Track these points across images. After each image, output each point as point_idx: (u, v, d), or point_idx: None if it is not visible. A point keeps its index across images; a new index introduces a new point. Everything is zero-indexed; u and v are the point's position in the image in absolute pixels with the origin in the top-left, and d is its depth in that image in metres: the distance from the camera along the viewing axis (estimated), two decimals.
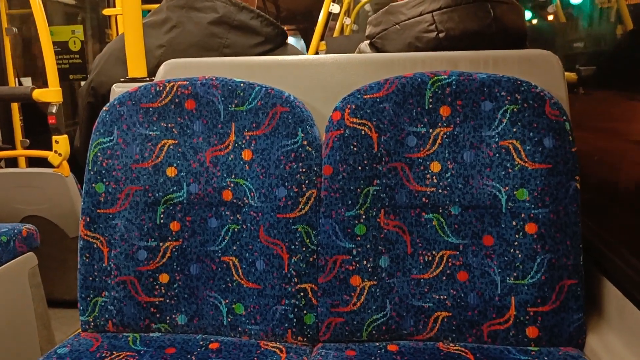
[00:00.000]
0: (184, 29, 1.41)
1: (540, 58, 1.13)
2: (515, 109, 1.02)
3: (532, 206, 1.00)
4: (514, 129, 1.02)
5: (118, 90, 1.25)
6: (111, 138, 1.10)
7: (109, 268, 1.09)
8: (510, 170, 1.02)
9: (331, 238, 1.04)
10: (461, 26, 1.22)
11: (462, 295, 1.03)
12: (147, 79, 1.34)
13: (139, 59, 1.36)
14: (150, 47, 1.43)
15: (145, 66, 1.36)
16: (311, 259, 1.05)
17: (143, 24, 1.49)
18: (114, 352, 1.01)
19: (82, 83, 3.34)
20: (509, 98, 1.03)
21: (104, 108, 1.13)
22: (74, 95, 3.39)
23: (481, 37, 1.22)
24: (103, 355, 1.00)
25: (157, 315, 1.09)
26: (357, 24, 4.38)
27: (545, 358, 0.96)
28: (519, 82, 1.03)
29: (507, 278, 1.01)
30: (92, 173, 1.10)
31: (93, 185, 1.10)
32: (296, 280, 1.05)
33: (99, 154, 1.10)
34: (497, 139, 1.03)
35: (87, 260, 1.09)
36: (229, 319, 1.07)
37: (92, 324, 1.10)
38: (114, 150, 1.10)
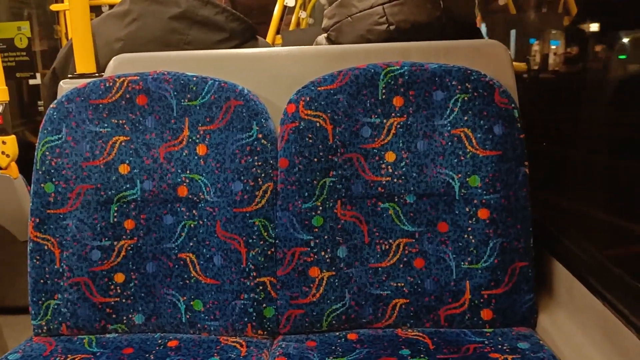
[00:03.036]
0: (144, 23, 1.35)
1: (489, 48, 1.16)
2: (465, 98, 1.05)
3: (484, 192, 1.03)
4: (465, 118, 1.04)
5: (66, 86, 1.22)
6: (59, 136, 1.07)
7: (61, 270, 1.06)
8: (462, 158, 1.04)
9: (289, 230, 1.04)
10: (411, 18, 1.23)
11: (419, 281, 1.05)
12: (96, 74, 1.31)
13: (88, 54, 1.32)
14: (109, 39, 1.37)
15: (94, 62, 1.33)
16: (269, 252, 1.05)
17: (107, 15, 1.45)
18: (69, 356, 0.99)
19: (30, 81, 3.23)
20: (459, 87, 1.05)
21: (52, 105, 1.10)
22: (22, 94, 3.27)
23: (431, 28, 1.23)
24: (57, 359, 0.98)
25: (113, 316, 1.07)
26: (313, 18, 4.37)
27: (499, 339, 0.99)
28: (469, 72, 1.06)
29: (462, 263, 1.03)
30: (40, 173, 1.07)
31: (42, 185, 1.06)
32: (255, 274, 1.04)
33: (47, 153, 1.07)
34: (449, 128, 1.05)
35: (37, 262, 1.06)
36: (188, 316, 1.06)
37: (44, 328, 1.07)
38: (62, 148, 1.07)
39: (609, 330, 0.86)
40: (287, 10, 3.13)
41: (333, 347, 0.99)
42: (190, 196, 1.06)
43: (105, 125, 1.08)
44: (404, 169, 1.06)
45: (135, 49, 1.30)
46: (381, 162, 1.06)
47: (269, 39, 2.85)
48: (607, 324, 0.87)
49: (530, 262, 1.03)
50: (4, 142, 2.08)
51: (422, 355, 0.95)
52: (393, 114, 1.06)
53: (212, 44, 1.34)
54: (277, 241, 1.05)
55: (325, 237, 1.04)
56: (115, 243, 1.06)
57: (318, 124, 1.05)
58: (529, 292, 1.03)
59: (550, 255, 1.09)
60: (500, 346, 0.97)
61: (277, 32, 2.96)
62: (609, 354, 0.86)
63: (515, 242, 1.03)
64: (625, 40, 1.20)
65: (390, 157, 1.06)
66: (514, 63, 1.18)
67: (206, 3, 1.34)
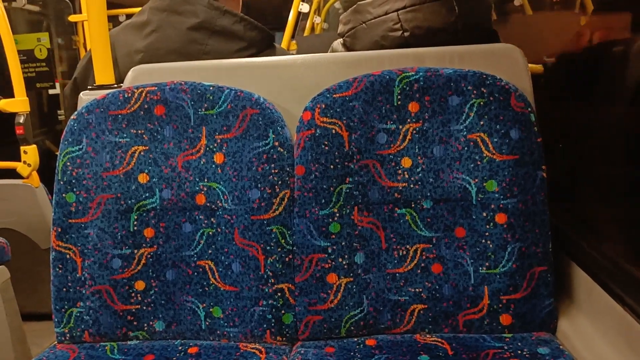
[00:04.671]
0: (163, 34, 1.36)
1: (504, 52, 1.16)
2: (481, 103, 1.05)
3: (501, 197, 1.03)
4: (481, 122, 1.04)
5: (85, 98, 1.24)
6: (80, 147, 1.09)
7: (83, 278, 1.08)
8: (479, 163, 1.04)
9: (306, 237, 1.05)
10: (426, 24, 1.23)
11: (437, 287, 1.05)
12: (115, 85, 1.33)
13: (107, 65, 1.34)
14: (130, 50, 1.39)
15: (113, 73, 1.35)
16: (287, 259, 1.06)
17: (126, 24, 1.46)
18: None
19: (50, 91, 3.29)
20: (475, 92, 1.05)
21: (72, 117, 1.12)
22: (42, 104, 3.33)
23: (446, 34, 1.23)
24: None
25: (135, 323, 1.08)
26: (328, 23, 4.39)
27: (519, 344, 0.99)
28: (484, 76, 1.06)
29: (480, 268, 1.03)
30: (61, 183, 1.09)
31: (63, 195, 1.09)
32: (273, 281, 1.05)
33: (68, 164, 1.09)
34: (465, 133, 1.05)
35: (60, 271, 1.08)
36: (207, 323, 1.07)
37: (67, 335, 1.09)
38: (83, 159, 1.09)
39: (629, 335, 0.85)
40: (301, 16, 3.15)
41: (352, 353, 0.99)
42: (208, 204, 1.08)
43: (125, 135, 1.09)
44: (420, 175, 1.06)
45: (156, 60, 1.31)
46: (397, 168, 1.06)
47: (284, 44, 2.87)
48: (628, 328, 0.86)
49: (550, 267, 1.03)
50: (25, 152, 2.12)
51: None
52: (409, 120, 1.06)
53: (230, 53, 1.34)
54: (294, 248, 1.06)
55: (343, 243, 1.05)
56: (135, 251, 1.08)
57: (334, 131, 1.06)
58: (548, 296, 1.02)
59: (569, 260, 1.08)
60: (520, 351, 0.96)
61: (292, 38, 2.98)
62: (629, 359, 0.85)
63: (533, 247, 1.02)
64: None
65: (407, 162, 1.06)
66: (530, 65, 1.18)
67: (224, 12, 1.34)
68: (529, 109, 1.05)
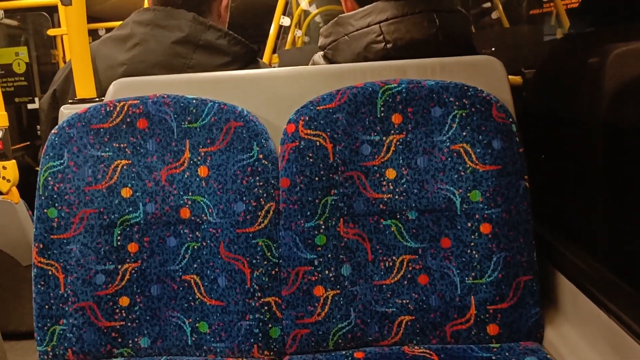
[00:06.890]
0: (147, 48, 1.36)
1: (485, 63, 1.17)
2: (463, 114, 1.06)
3: (485, 207, 1.04)
4: (464, 133, 1.05)
5: (66, 112, 1.23)
6: (61, 161, 1.08)
7: (65, 295, 1.06)
8: (462, 173, 1.05)
9: (292, 250, 1.05)
10: (408, 36, 1.25)
11: (424, 298, 1.05)
12: (97, 99, 1.32)
13: (87, 79, 1.33)
14: (112, 63, 1.38)
15: (94, 86, 1.34)
16: (273, 272, 1.05)
17: (107, 37, 1.45)
18: None
19: (29, 106, 3.25)
20: (457, 103, 1.06)
21: (53, 131, 1.11)
22: (21, 118, 3.29)
23: (427, 46, 1.25)
24: None
25: (119, 340, 1.06)
26: (309, 36, 4.42)
27: (507, 354, 0.99)
28: (465, 88, 1.07)
29: (466, 278, 1.04)
30: (43, 198, 1.07)
31: (45, 210, 1.07)
32: (259, 295, 1.04)
33: (49, 179, 1.07)
34: (448, 144, 1.06)
35: (42, 288, 1.06)
36: (194, 338, 1.06)
37: (50, 353, 1.06)
38: (65, 173, 1.07)
39: (615, 342, 0.86)
40: (282, 30, 3.17)
41: None
42: (192, 218, 1.07)
43: (107, 149, 1.08)
44: (404, 186, 1.06)
45: (139, 72, 1.30)
46: (382, 179, 1.07)
47: (265, 58, 2.88)
48: (613, 335, 0.87)
49: (535, 276, 1.03)
50: (4, 167, 2.09)
51: None
52: (392, 131, 1.07)
53: (214, 67, 1.34)
54: (280, 261, 1.06)
55: (329, 255, 1.05)
56: (119, 267, 1.06)
57: (318, 143, 1.06)
58: (534, 305, 1.03)
59: (553, 268, 1.09)
60: None
61: (274, 52, 2.99)
62: None
63: (518, 256, 1.03)
64: None
65: (391, 174, 1.07)
66: (509, 77, 1.19)
67: (209, 27, 1.35)
68: (510, 120, 1.06)
